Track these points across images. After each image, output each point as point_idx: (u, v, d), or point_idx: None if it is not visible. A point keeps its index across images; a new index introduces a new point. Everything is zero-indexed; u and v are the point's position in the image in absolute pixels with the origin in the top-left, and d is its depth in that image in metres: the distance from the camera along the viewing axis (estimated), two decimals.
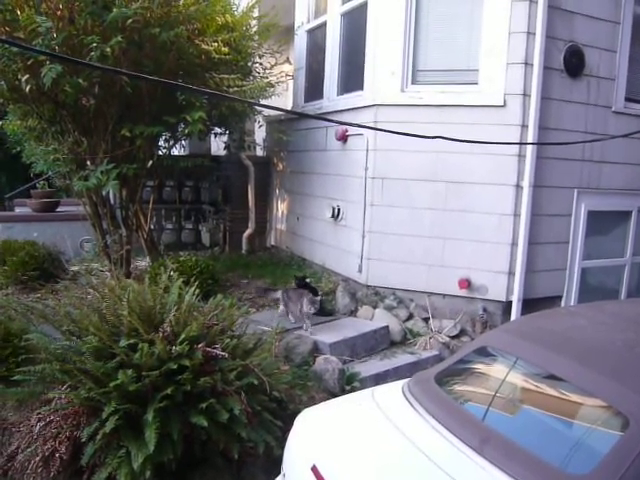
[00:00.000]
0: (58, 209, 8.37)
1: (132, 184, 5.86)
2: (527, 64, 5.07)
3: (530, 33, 5.03)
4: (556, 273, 5.59)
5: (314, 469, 2.17)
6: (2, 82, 5.02)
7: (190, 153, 9.24)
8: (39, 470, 3.03)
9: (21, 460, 3.09)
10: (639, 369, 2.18)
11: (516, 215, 5.21)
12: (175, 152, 7.27)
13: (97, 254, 6.61)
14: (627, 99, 5.72)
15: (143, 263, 6.96)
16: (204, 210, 8.65)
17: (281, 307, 5.34)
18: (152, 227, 6.95)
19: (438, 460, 2.05)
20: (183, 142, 7.74)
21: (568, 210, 5.55)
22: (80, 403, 3.04)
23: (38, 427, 3.14)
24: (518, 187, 5.19)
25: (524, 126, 5.11)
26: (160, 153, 6.15)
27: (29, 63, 4.67)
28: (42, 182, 8.56)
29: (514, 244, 5.24)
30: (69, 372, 3.07)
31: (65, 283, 4.30)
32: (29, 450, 3.07)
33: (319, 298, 5.00)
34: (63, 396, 3.04)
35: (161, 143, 6.26)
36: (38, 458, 3.04)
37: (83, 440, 2.98)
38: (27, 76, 4.68)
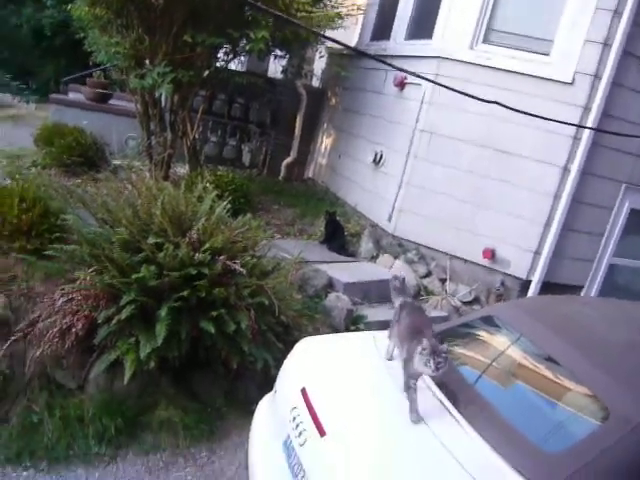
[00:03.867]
0: (110, 101, 8.48)
1: (185, 91, 5.89)
2: (606, 44, 4.85)
3: (617, 12, 4.79)
4: (583, 263, 5.54)
5: (303, 391, 2.31)
6: None
7: (247, 70, 9.17)
8: (55, 340, 3.26)
9: (41, 328, 3.32)
10: (633, 370, 2.22)
11: (557, 197, 5.14)
12: (232, 67, 7.24)
13: (140, 153, 6.74)
14: None
15: (182, 170, 7.08)
16: (250, 130, 8.67)
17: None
18: (196, 136, 7.02)
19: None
20: (242, 58, 7.69)
21: (611, 203, 5.44)
22: (102, 287, 3.23)
23: (60, 302, 3.35)
24: (565, 170, 5.08)
25: (587, 109, 4.95)
26: (217, 65, 6.13)
27: None
28: (98, 72, 8.64)
29: (547, 225, 5.19)
30: (97, 257, 3.25)
31: (106, 174, 4.44)
32: (49, 320, 3.30)
33: (442, 364, 2.13)
34: (88, 278, 3.22)
35: (220, 55, 6.24)
36: (56, 329, 3.27)
37: (99, 322, 3.19)
38: None
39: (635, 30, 4.87)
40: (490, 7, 5.31)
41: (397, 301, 2.70)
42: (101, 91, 8.34)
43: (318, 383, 2.39)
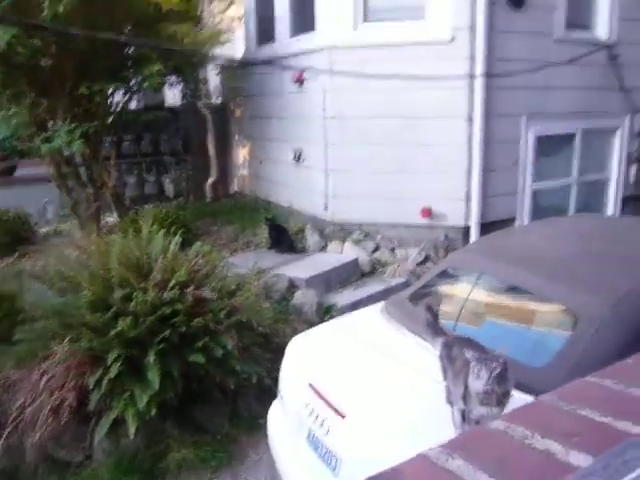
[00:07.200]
0: (16, 172, 8.20)
1: (93, 142, 5.84)
2: None
3: None
4: (509, 197, 5.95)
5: (311, 385, 2.46)
6: None
7: (145, 105, 9.11)
8: (49, 420, 3.25)
9: (31, 412, 3.29)
10: (585, 275, 2.50)
11: (469, 145, 5.48)
12: (132, 105, 7.21)
13: (63, 214, 6.62)
14: (568, 26, 5.93)
15: (111, 219, 7.01)
16: (165, 161, 8.65)
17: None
18: (116, 182, 6.96)
19: (415, 365, 2.36)
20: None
21: (517, 136, 5.85)
22: (82, 353, 3.24)
23: (43, 381, 3.33)
24: (469, 118, 5.43)
25: (472, 58, 5.30)
26: (118, 108, 6.12)
27: None
28: None
29: (469, 172, 5.54)
30: (69, 326, 3.25)
31: (46, 244, 4.40)
32: (37, 402, 3.28)
33: (498, 371, 1.69)
34: (66, 348, 3.23)
35: (118, 98, 6.22)
36: (47, 409, 3.26)
37: (90, 388, 3.21)
38: None
39: None
40: None
41: (437, 342, 2.15)
42: (5, 165, 8.05)
43: (320, 374, 2.54)
